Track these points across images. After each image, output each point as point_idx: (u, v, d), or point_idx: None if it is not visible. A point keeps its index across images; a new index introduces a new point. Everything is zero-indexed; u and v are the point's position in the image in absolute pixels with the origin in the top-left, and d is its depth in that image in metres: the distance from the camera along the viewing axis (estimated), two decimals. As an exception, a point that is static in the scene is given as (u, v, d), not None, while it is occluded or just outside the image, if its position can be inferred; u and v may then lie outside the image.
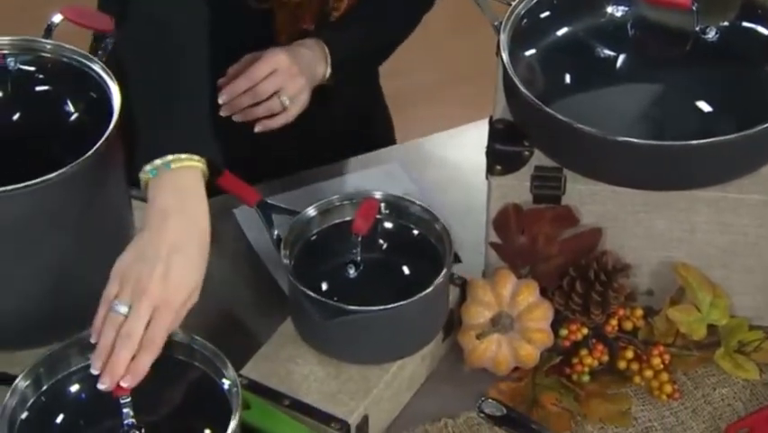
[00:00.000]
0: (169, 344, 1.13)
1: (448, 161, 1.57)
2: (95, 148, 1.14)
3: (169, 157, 1.14)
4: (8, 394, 1.08)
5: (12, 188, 1.12)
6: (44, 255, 1.18)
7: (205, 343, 1.14)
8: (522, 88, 1.22)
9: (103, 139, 1.15)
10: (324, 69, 1.42)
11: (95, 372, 1.06)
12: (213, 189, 1.36)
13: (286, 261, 1.26)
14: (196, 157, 1.15)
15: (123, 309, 1.07)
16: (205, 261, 1.13)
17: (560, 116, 1.20)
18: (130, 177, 1.21)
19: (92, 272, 1.22)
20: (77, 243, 1.19)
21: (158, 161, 1.14)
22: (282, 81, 1.38)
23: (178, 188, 1.14)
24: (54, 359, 1.12)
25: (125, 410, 1.08)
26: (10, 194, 1.12)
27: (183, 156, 1.15)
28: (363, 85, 1.61)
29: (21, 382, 1.10)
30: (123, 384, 1.06)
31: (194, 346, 1.14)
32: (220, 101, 1.37)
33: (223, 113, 1.38)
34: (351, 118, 1.58)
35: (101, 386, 1.06)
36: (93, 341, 1.08)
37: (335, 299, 1.23)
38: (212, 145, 1.19)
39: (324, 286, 1.26)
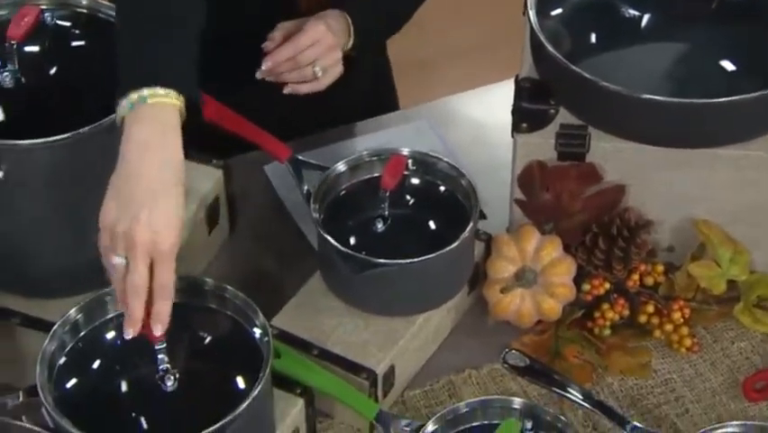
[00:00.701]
0: (203, 292, 1.17)
1: (474, 120, 1.59)
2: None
3: (145, 91, 1.10)
4: (47, 340, 1.12)
5: (49, 140, 1.14)
6: (79, 206, 1.21)
7: (237, 292, 1.17)
8: (548, 47, 1.25)
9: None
10: (346, 41, 1.44)
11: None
12: (244, 145, 1.40)
13: (315, 215, 1.29)
14: (174, 93, 1.11)
15: (121, 261, 1.07)
16: (183, 197, 1.11)
17: (586, 74, 1.22)
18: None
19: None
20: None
21: (134, 95, 1.10)
22: (321, 53, 1.40)
23: (155, 122, 1.10)
24: (91, 306, 1.15)
25: (160, 357, 1.12)
26: (46, 145, 1.15)
27: (160, 91, 1.11)
28: (377, 55, 1.63)
29: (59, 328, 1.13)
30: (156, 333, 1.08)
31: (226, 296, 1.17)
32: (264, 67, 1.38)
33: (259, 75, 1.40)
34: (365, 88, 1.59)
35: (126, 335, 1.08)
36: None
37: (363, 252, 1.26)
38: (194, 85, 1.15)
39: (353, 240, 1.29)
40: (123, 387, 1.13)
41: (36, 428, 1.06)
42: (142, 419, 1.12)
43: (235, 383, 1.14)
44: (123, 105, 1.10)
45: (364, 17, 1.45)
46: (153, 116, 1.10)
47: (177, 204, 1.09)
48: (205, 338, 1.17)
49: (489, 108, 1.59)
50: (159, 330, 1.08)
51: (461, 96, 1.64)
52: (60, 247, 1.23)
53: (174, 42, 1.15)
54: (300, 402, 1.19)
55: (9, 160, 1.15)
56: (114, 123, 1.14)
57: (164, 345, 1.11)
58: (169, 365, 1.12)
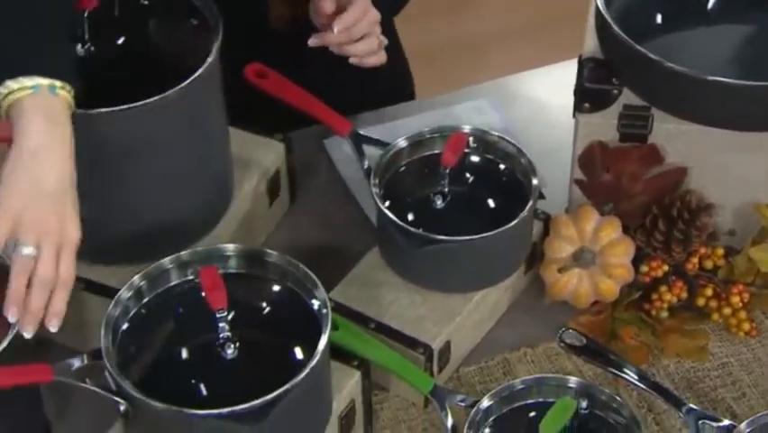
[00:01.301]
0: (263, 264, 1.18)
1: (535, 100, 1.59)
2: (197, 73, 1.18)
3: (56, 82, 1.07)
4: (111, 305, 1.14)
5: (114, 109, 1.16)
6: (143, 175, 1.23)
7: (297, 264, 1.18)
8: (614, 26, 1.24)
9: (205, 65, 1.19)
10: None
11: (12, 319, 1.04)
12: (305, 119, 1.41)
13: (375, 190, 1.30)
14: (68, 87, 1.09)
15: (29, 251, 1.04)
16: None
17: (651, 55, 1.22)
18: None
19: (192, 193, 1.27)
20: (178, 163, 1.24)
21: (43, 81, 1.06)
22: (368, 27, 1.34)
23: (62, 114, 1.07)
24: (154, 273, 1.17)
25: (221, 325, 1.13)
26: (112, 115, 1.16)
27: (66, 85, 1.08)
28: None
29: (124, 294, 1.15)
30: (52, 329, 1.06)
31: (286, 267, 1.18)
32: (310, 43, 1.32)
33: (312, 42, 1.33)
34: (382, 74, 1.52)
35: (26, 334, 1.04)
36: None
37: (422, 228, 1.26)
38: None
39: (411, 216, 1.30)
40: (184, 353, 1.15)
41: (99, 390, 1.08)
42: (201, 386, 1.14)
43: (293, 354, 1.15)
44: (25, 84, 1.06)
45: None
46: (58, 107, 1.07)
47: (76, 197, 1.08)
48: (265, 309, 1.18)
49: (550, 88, 1.59)
50: (56, 325, 1.06)
51: (522, 76, 1.64)
52: (125, 215, 1.26)
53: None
54: (357, 374, 1.20)
55: (78, 127, 1.17)
56: (182, 93, 1.16)
57: (225, 314, 1.13)
58: (229, 334, 1.13)
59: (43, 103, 1.06)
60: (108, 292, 1.22)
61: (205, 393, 1.13)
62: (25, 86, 1.05)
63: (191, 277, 1.18)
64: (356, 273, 1.32)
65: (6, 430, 1.09)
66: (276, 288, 1.18)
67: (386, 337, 1.25)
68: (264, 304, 1.18)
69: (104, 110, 1.16)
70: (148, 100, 1.16)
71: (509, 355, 1.31)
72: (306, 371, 1.09)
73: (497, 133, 1.34)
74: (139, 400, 1.07)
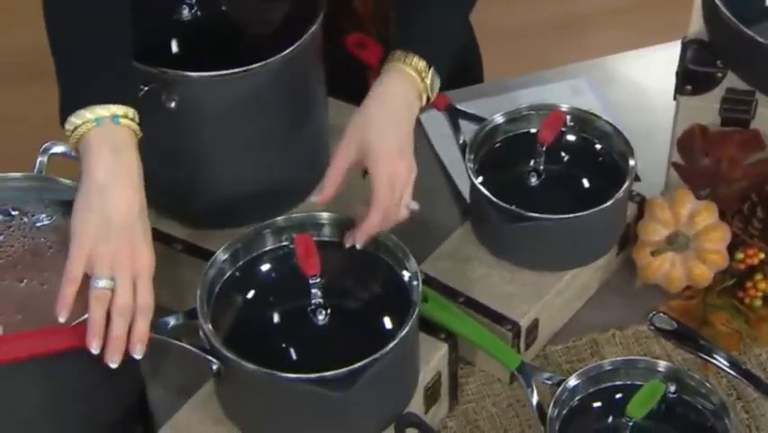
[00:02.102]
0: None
1: (633, 81, 1.58)
2: (301, 40, 1.19)
3: (116, 109, 1.06)
4: (208, 266, 1.16)
5: (220, 73, 1.17)
6: (245, 139, 1.24)
7: (390, 235, 1.19)
8: (722, 8, 1.22)
9: (309, 33, 1.20)
10: (420, 94, 1.18)
11: (95, 351, 1.04)
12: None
13: (470, 165, 1.30)
14: (132, 112, 1.09)
15: (105, 283, 1.04)
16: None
17: (759, 38, 1.20)
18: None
19: (289, 160, 1.29)
20: (278, 129, 1.26)
21: (104, 113, 1.06)
22: (402, 189, 1.18)
23: (127, 144, 1.07)
24: (250, 238, 1.19)
25: (314, 291, 1.15)
26: (217, 79, 1.18)
27: (129, 113, 1.08)
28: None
29: (220, 255, 1.17)
30: (137, 355, 1.06)
31: (379, 238, 1.19)
32: (347, 244, 1.18)
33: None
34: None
35: (112, 364, 1.05)
36: (62, 320, 1.04)
37: (515, 205, 1.26)
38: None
39: (505, 192, 1.29)
40: (276, 317, 1.17)
41: (193, 349, 1.11)
42: (291, 350, 1.16)
43: (383, 324, 1.16)
44: (88, 117, 1.06)
45: (438, 45, 1.21)
46: (123, 137, 1.07)
47: (148, 223, 1.09)
48: (357, 278, 1.19)
49: (648, 70, 1.57)
50: (141, 353, 1.06)
51: (620, 57, 1.63)
52: (224, 180, 1.27)
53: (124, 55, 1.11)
54: (444, 347, 1.21)
55: (181, 91, 1.20)
56: (281, 61, 1.17)
57: (318, 281, 1.14)
58: (321, 300, 1.15)
59: (107, 135, 1.06)
60: (205, 255, 1.24)
61: (295, 357, 1.15)
62: (88, 119, 1.06)
63: (286, 243, 1.19)
64: (447, 247, 1.32)
65: (104, 386, 1.11)
66: (368, 258, 1.19)
67: (474, 312, 1.26)
68: (356, 273, 1.19)
69: (208, 74, 1.18)
70: (252, 66, 1.18)
71: (597, 336, 1.30)
72: (396, 341, 1.10)
73: (594, 113, 1.33)
74: (231, 360, 1.09)
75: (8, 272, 1.09)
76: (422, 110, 1.20)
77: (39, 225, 1.13)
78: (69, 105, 1.07)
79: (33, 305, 1.08)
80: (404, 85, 1.17)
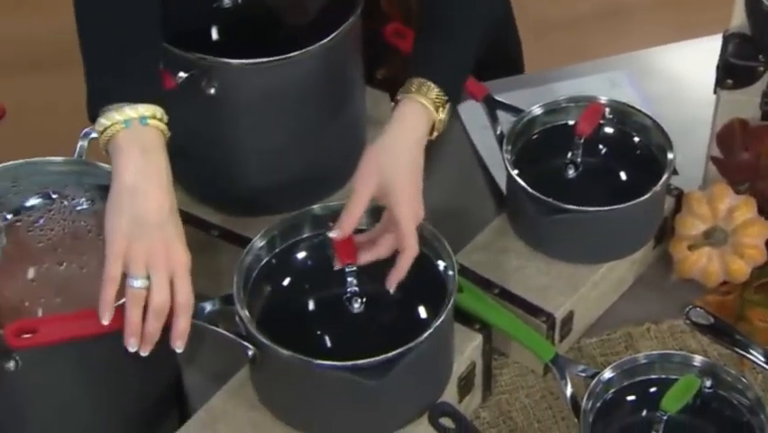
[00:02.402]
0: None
1: (671, 74, 1.57)
2: (341, 28, 1.20)
3: (143, 110, 1.07)
4: (245, 252, 1.16)
5: (260, 60, 1.18)
6: (283, 127, 1.25)
7: (427, 225, 1.19)
8: (765, 2, 1.21)
9: (349, 21, 1.21)
10: (431, 128, 1.18)
11: (132, 349, 1.05)
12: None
13: (507, 156, 1.30)
14: (160, 113, 1.09)
15: (141, 283, 1.05)
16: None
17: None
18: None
19: (326, 148, 1.29)
20: (315, 117, 1.26)
21: (133, 114, 1.07)
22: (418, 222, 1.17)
23: (155, 145, 1.08)
24: (287, 225, 1.19)
25: (350, 279, 1.15)
26: (257, 66, 1.19)
27: (157, 113, 1.08)
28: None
29: (257, 242, 1.17)
30: (178, 350, 1.07)
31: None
32: (389, 287, 1.15)
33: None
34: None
35: (143, 353, 1.06)
36: (105, 322, 1.04)
37: (552, 197, 1.26)
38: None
39: (542, 184, 1.29)
40: (312, 304, 1.18)
41: (228, 334, 1.11)
42: (326, 337, 1.16)
43: (418, 313, 1.17)
44: (117, 118, 1.07)
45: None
46: (151, 138, 1.08)
47: (180, 223, 1.09)
48: (393, 267, 1.19)
49: (687, 63, 1.57)
50: (181, 348, 1.08)
51: (659, 50, 1.62)
52: (262, 167, 1.28)
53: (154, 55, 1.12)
54: (479, 338, 1.21)
55: (221, 78, 1.20)
56: (321, 48, 1.17)
57: (354, 269, 1.15)
58: (356, 288, 1.15)
59: (136, 137, 1.07)
60: (241, 241, 1.25)
61: (330, 345, 1.16)
62: (117, 121, 1.07)
63: (322, 231, 1.20)
64: (483, 238, 1.32)
65: (140, 370, 1.12)
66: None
67: (509, 303, 1.26)
68: (392, 262, 1.19)
69: (248, 61, 1.19)
70: (292, 54, 1.18)
71: (632, 330, 1.30)
72: (430, 330, 1.10)
73: (633, 106, 1.33)
74: (266, 345, 1.09)
75: (49, 256, 1.11)
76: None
77: (78, 208, 1.14)
78: (97, 103, 1.08)
79: (73, 288, 1.09)
80: (421, 117, 1.16)
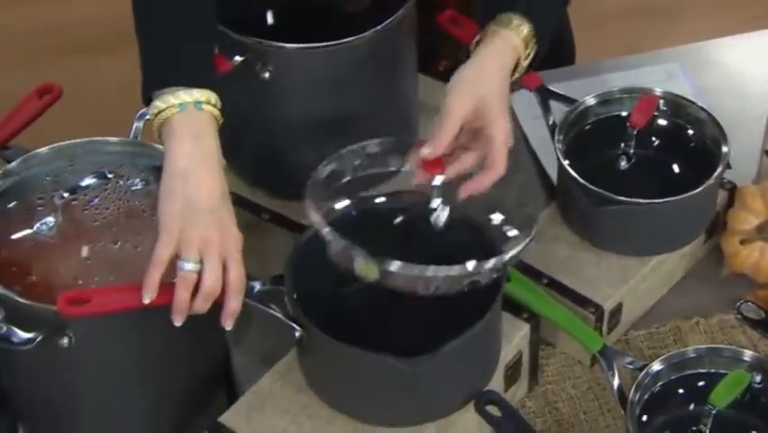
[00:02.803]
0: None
1: (727, 67, 1.55)
2: (397, 14, 1.20)
3: (200, 96, 1.08)
4: (299, 235, 1.17)
5: (313, 45, 1.18)
6: (337, 112, 1.25)
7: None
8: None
9: (404, 8, 1.21)
10: (515, 64, 1.19)
11: (177, 324, 1.06)
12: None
13: (559, 146, 1.30)
14: (214, 98, 1.10)
15: (192, 267, 1.05)
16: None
17: None
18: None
19: (378, 135, 1.29)
20: (368, 103, 1.27)
21: (188, 98, 1.08)
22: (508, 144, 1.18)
23: (208, 129, 1.08)
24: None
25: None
26: (311, 51, 1.19)
27: (211, 99, 1.09)
28: None
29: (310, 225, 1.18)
30: (228, 327, 1.08)
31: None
32: (463, 195, 1.16)
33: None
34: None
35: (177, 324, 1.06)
36: (146, 301, 1.04)
37: (603, 188, 1.25)
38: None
39: (593, 174, 1.28)
40: (360, 290, 1.18)
41: (277, 314, 1.12)
42: (374, 323, 1.17)
43: (467, 301, 1.16)
44: (172, 102, 1.08)
45: (548, 26, 1.21)
46: (205, 122, 1.08)
47: (232, 207, 1.09)
48: (444, 253, 1.19)
49: (743, 56, 1.55)
50: (230, 326, 1.08)
51: (714, 42, 1.60)
52: (313, 151, 1.28)
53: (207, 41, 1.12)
54: (526, 327, 1.21)
55: (276, 62, 1.21)
56: (376, 34, 1.17)
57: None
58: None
59: (190, 121, 1.08)
60: (291, 225, 1.26)
61: (378, 331, 1.16)
62: (172, 104, 1.08)
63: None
64: (533, 228, 1.32)
65: (190, 348, 1.14)
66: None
67: (557, 294, 1.25)
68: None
69: (302, 45, 1.19)
70: (346, 39, 1.19)
71: (681, 324, 1.29)
72: (481, 322, 1.10)
73: (688, 98, 1.32)
74: (312, 329, 1.10)
75: (104, 234, 1.12)
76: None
77: (133, 188, 1.16)
78: (152, 85, 1.09)
79: (127, 266, 1.10)
80: (509, 52, 1.17)
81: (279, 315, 1.12)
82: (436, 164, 1.13)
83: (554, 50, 1.56)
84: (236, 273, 1.07)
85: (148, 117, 1.21)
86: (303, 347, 1.15)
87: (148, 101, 1.10)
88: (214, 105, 1.09)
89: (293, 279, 1.14)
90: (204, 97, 1.08)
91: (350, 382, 1.13)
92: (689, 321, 1.30)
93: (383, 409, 1.14)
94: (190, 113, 1.08)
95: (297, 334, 1.13)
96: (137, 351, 1.11)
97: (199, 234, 1.05)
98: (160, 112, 1.08)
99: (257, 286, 1.13)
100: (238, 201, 1.29)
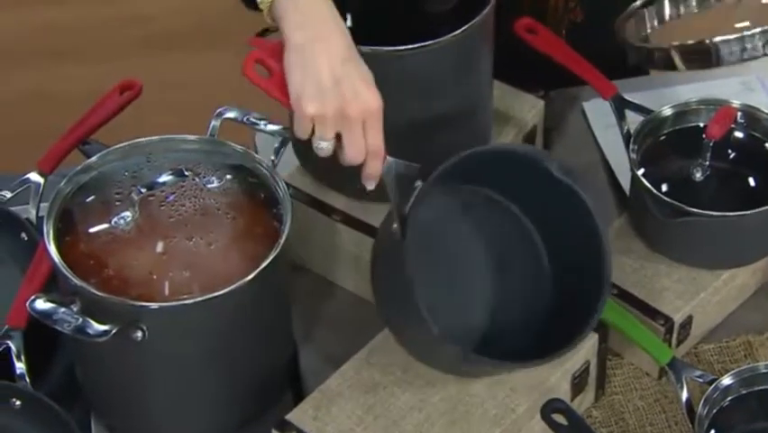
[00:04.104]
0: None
1: (807, 81, 1.54)
2: (475, 19, 1.20)
3: None
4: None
5: (401, 48, 1.18)
6: (411, 116, 1.25)
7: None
8: None
9: (483, 13, 1.21)
10: None
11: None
12: (562, 80, 1.40)
13: (633, 156, 1.29)
14: None
15: (326, 144, 1.08)
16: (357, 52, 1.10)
17: None
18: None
19: (453, 140, 1.29)
20: (443, 108, 1.26)
21: None
22: None
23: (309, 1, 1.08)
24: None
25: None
26: (397, 54, 1.19)
27: None
28: None
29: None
30: (369, 187, 1.11)
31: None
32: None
33: None
34: None
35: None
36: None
37: (677, 199, 1.24)
38: None
39: (667, 185, 1.28)
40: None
41: None
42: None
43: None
44: None
45: None
46: None
47: (361, 61, 1.09)
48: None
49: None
50: (372, 185, 1.11)
51: (795, 55, 1.58)
52: (388, 154, 1.29)
53: None
54: (594, 337, 1.20)
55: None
56: (454, 40, 1.17)
57: None
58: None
59: None
60: (362, 227, 1.27)
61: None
62: None
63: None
64: (603, 237, 1.32)
65: (260, 343, 1.15)
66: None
67: (627, 304, 1.25)
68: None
69: (379, 48, 1.19)
70: (424, 43, 1.19)
71: (752, 338, 1.28)
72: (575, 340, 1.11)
73: (766, 111, 1.30)
74: None
75: (179, 230, 1.14)
76: None
77: (209, 186, 1.17)
78: None
79: (200, 263, 1.12)
80: None
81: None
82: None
83: (623, 66, 1.56)
84: (374, 139, 1.08)
85: (226, 116, 1.22)
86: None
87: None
88: None
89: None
90: None
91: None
92: (760, 336, 1.28)
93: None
94: None
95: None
96: (208, 345, 1.12)
97: (330, 112, 1.06)
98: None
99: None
100: (310, 201, 1.31)
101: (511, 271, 1.19)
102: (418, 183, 1.10)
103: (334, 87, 1.07)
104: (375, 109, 1.08)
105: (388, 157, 1.12)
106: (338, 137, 1.09)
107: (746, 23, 1.24)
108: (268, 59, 1.09)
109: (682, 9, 1.29)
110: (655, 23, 1.31)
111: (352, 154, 1.08)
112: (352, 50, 1.09)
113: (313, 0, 1.09)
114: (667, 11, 1.30)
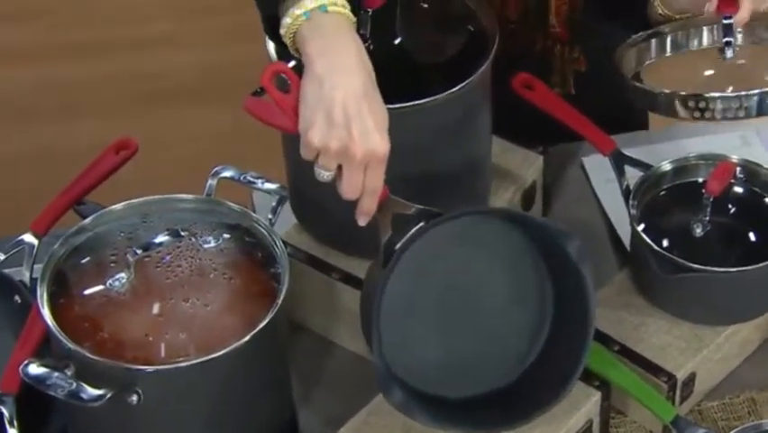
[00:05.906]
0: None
1: (806, 133, 1.53)
2: (473, 77, 1.20)
3: (324, 0, 1.08)
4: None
5: (398, 106, 1.16)
6: (409, 173, 1.23)
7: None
8: None
9: (480, 70, 1.21)
10: None
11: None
12: (563, 135, 1.40)
13: (633, 211, 1.28)
14: (343, 1, 1.10)
15: (327, 175, 1.08)
16: (378, 92, 1.09)
17: None
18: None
19: (450, 196, 1.29)
20: (441, 165, 1.25)
21: (310, 3, 1.08)
22: None
23: (338, 30, 1.09)
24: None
25: None
26: (394, 112, 1.15)
27: (338, 0, 1.09)
28: None
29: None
30: (361, 224, 1.11)
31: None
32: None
33: None
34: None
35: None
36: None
37: (677, 255, 1.24)
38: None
39: (667, 241, 1.27)
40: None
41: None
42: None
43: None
44: (297, 13, 1.09)
45: None
46: (334, 24, 1.09)
47: (379, 101, 1.09)
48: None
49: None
50: (364, 222, 1.11)
51: (793, 108, 1.58)
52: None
53: None
54: (597, 395, 1.19)
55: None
56: (451, 97, 1.17)
57: None
58: None
59: (317, 26, 1.08)
60: (361, 285, 1.25)
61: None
62: (297, 15, 1.08)
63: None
64: (603, 294, 1.30)
65: (256, 408, 1.13)
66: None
67: (628, 361, 1.23)
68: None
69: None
70: (421, 100, 1.19)
71: (756, 395, 1.26)
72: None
73: (765, 166, 1.30)
74: None
75: (175, 291, 1.13)
76: None
77: (206, 246, 1.16)
78: (279, 7, 1.10)
79: (197, 324, 1.11)
80: None
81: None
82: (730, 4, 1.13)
83: (628, 114, 1.56)
84: (373, 180, 1.09)
85: (222, 175, 1.21)
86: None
87: (272, 33, 1.10)
88: (343, 6, 1.09)
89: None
90: (328, 1, 1.08)
91: None
92: (764, 393, 1.27)
93: None
94: (316, 18, 1.08)
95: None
96: (205, 407, 1.10)
97: (334, 148, 1.06)
98: (289, 27, 1.09)
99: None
100: (308, 260, 1.30)
101: (507, 311, 1.18)
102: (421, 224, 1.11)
103: (344, 124, 1.06)
104: (380, 154, 1.08)
105: (391, 196, 1.12)
106: (340, 167, 1.09)
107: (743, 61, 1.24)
108: (288, 72, 1.09)
109: (684, 43, 1.28)
110: (653, 54, 1.30)
111: (348, 191, 1.09)
112: (370, 89, 1.08)
113: (339, 29, 1.09)
114: (668, 46, 1.30)
